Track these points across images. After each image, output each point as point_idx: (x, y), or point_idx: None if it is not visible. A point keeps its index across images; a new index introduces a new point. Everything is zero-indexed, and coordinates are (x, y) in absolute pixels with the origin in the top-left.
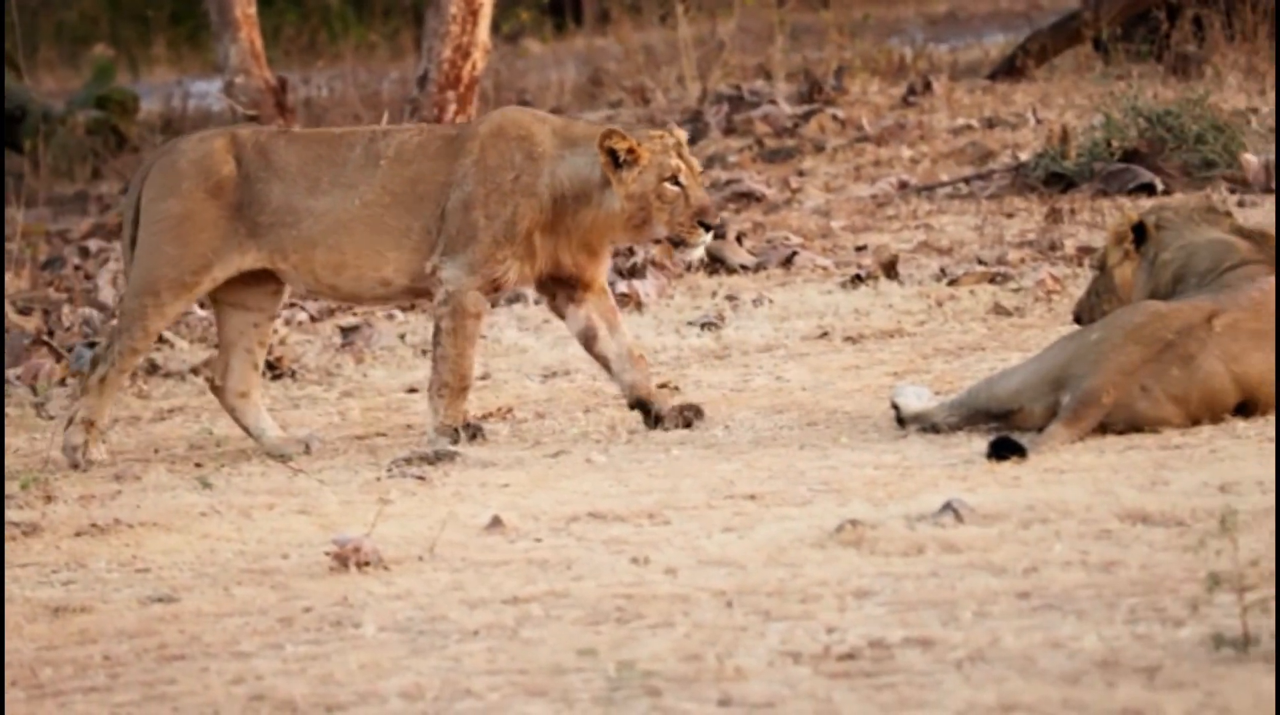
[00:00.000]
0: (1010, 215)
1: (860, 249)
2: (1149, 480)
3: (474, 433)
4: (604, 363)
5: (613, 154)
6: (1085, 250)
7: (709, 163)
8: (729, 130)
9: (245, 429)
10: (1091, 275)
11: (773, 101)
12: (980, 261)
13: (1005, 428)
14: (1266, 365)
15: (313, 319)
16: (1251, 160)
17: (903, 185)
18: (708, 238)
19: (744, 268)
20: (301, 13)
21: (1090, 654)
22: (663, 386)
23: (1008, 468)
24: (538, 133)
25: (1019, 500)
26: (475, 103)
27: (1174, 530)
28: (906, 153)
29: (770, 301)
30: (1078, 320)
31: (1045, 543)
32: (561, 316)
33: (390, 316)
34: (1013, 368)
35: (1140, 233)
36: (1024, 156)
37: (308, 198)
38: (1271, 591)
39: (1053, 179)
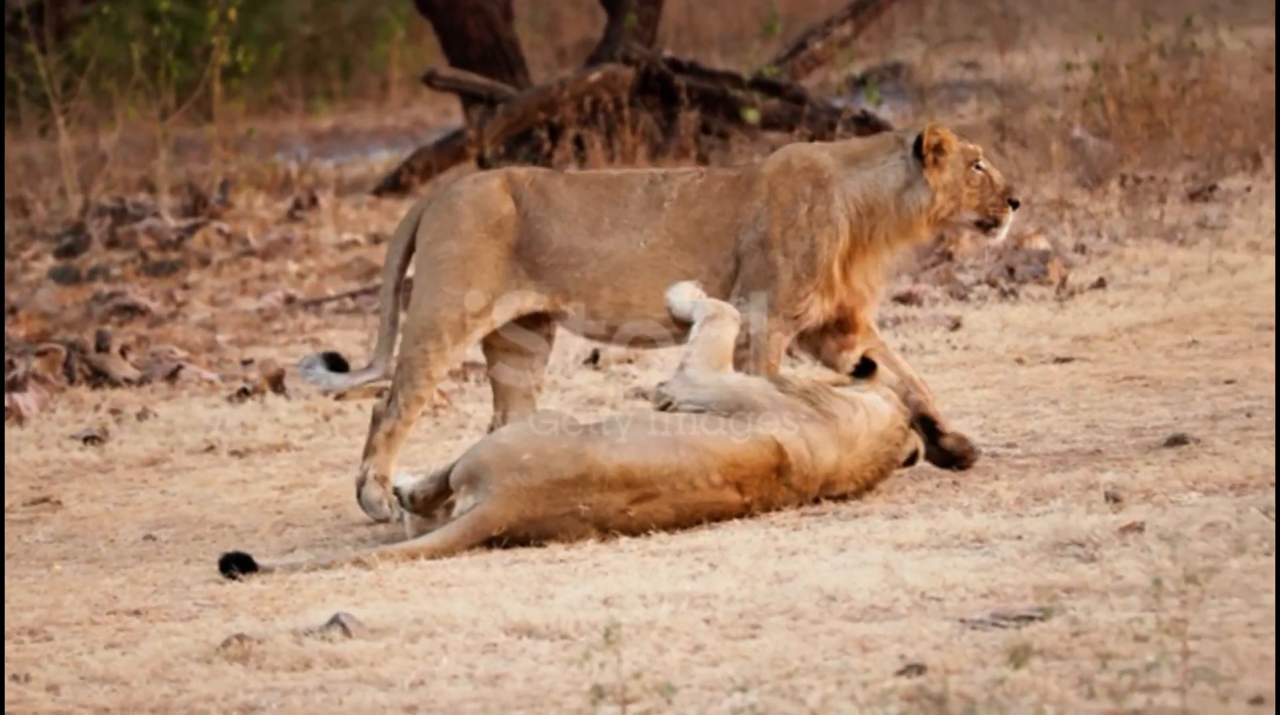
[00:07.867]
0: None
1: (247, 363)
2: (534, 594)
3: None
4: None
5: (935, 148)
6: (470, 366)
7: (91, 275)
8: (112, 243)
9: None
10: None
11: (156, 214)
12: None
13: None
14: None
15: None
16: None
17: (289, 300)
18: (1013, 214)
19: (128, 381)
20: None
21: None
22: (43, 500)
23: (395, 581)
24: (820, 160)
25: (406, 614)
26: None
27: (559, 643)
28: (293, 267)
29: (155, 415)
30: None
31: (432, 656)
32: (834, 367)
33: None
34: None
35: None
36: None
37: (590, 239)
38: (654, 704)
39: None
